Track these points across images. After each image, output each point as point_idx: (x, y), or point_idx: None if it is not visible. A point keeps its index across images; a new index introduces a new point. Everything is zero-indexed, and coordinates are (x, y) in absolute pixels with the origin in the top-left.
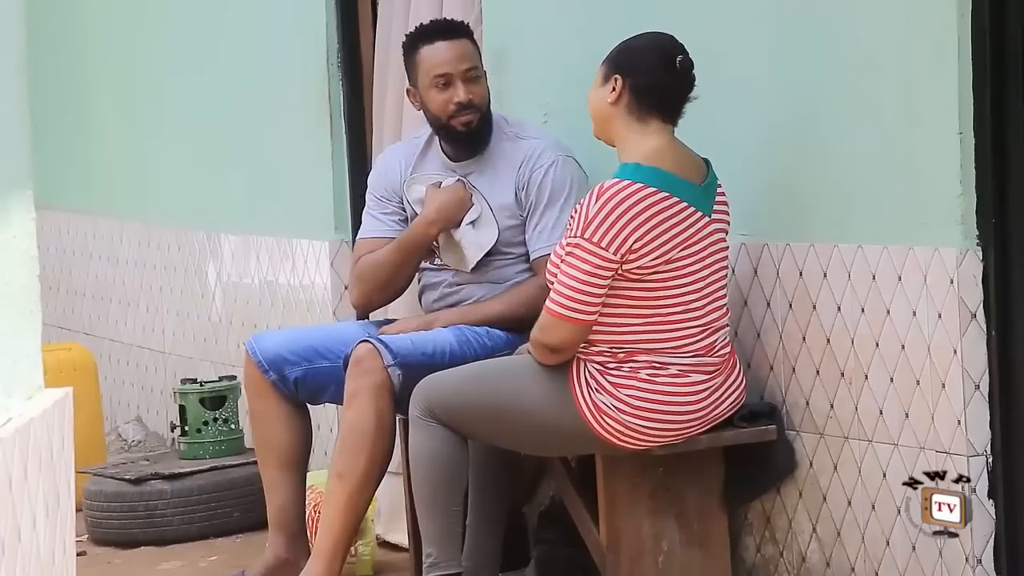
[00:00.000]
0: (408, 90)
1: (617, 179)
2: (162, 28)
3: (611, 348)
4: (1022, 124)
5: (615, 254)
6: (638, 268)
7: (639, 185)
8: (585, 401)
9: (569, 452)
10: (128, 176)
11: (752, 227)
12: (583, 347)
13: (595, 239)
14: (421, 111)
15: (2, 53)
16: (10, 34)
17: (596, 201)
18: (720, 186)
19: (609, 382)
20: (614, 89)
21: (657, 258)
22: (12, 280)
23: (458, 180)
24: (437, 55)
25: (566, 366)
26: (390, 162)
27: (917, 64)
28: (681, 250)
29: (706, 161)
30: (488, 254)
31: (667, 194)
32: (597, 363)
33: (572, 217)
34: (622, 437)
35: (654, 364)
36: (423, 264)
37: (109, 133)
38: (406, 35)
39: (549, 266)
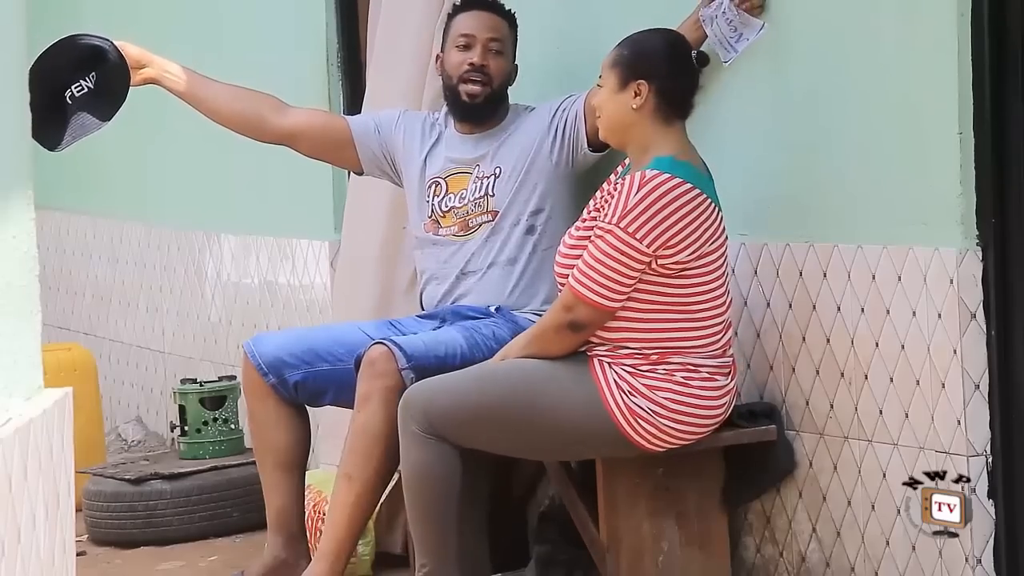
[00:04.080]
0: (437, 55)
1: (658, 171)
2: (162, 27)
3: (641, 349)
4: (1022, 124)
5: (648, 247)
6: (673, 263)
7: (678, 180)
8: (617, 405)
9: (588, 456)
10: (128, 176)
11: (752, 227)
12: (607, 350)
13: (631, 229)
14: (440, 76)
15: (2, 53)
16: (10, 34)
17: (638, 192)
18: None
19: (643, 385)
20: (637, 94)
21: (691, 254)
22: (12, 280)
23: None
24: (468, 20)
25: (587, 369)
26: (415, 123)
27: (917, 64)
28: (709, 244)
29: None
30: (493, 218)
31: (699, 190)
32: (628, 366)
33: (606, 201)
34: (652, 440)
35: (688, 367)
36: (422, 251)
37: (109, 133)
38: (454, 4)
39: (559, 257)
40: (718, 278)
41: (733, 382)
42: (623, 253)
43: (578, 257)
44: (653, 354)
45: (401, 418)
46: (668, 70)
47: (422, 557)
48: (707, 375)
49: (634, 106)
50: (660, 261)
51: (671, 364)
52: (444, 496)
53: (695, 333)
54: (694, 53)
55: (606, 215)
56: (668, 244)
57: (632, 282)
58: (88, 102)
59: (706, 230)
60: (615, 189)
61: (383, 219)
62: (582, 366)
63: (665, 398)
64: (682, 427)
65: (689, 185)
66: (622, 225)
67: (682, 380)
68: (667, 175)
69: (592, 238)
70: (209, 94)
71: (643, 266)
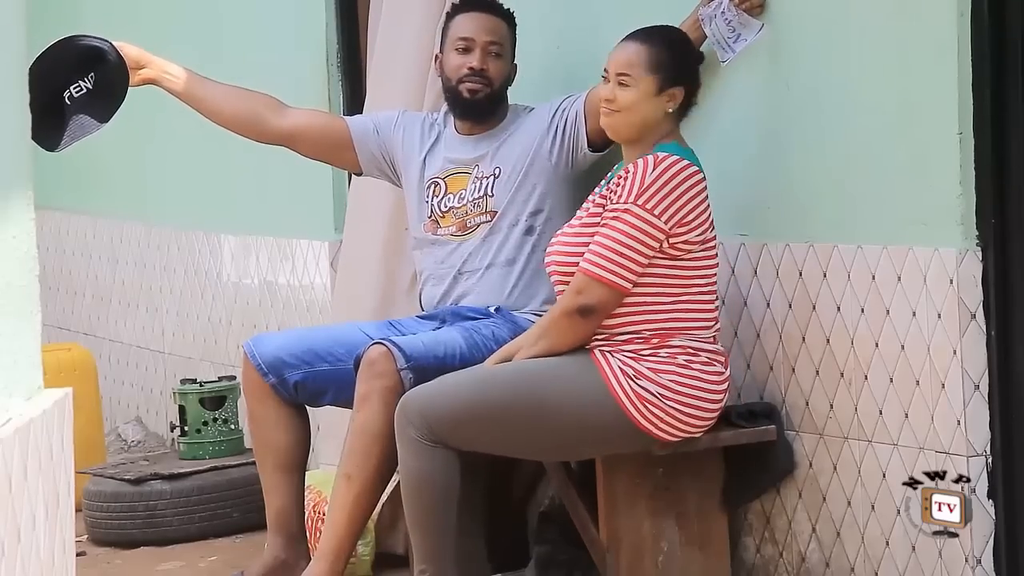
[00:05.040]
0: (436, 55)
1: (669, 153)
2: (162, 28)
3: (641, 332)
4: (1022, 124)
5: (666, 224)
6: (683, 243)
7: (687, 162)
8: (624, 392)
9: (594, 453)
10: (128, 176)
11: (752, 227)
12: (605, 339)
13: (648, 206)
14: (440, 77)
15: (2, 53)
16: (10, 34)
17: (653, 171)
18: None
19: (648, 368)
20: (672, 99)
21: (699, 235)
22: (12, 280)
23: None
24: (466, 23)
25: (589, 361)
26: (415, 123)
27: (917, 64)
28: (711, 231)
29: None
30: (491, 218)
31: (702, 175)
32: (629, 351)
33: (618, 184)
34: (661, 425)
35: (688, 350)
36: (421, 251)
37: (109, 133)
38: (452, 4)
39: (556, 252)
40: (713, 265)
41: (728, 371)
42: (640, 231)
43: (579, 246)
44: (653, 337)
45: (398, 424)
46: (695, 74)
47: (421, 563)
48: (706, 360)
49: (669, 110)
50: (671, 240)
51: (672, 347)
52: (443, 502)
53: (692, 316)
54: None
55: (619, 197)
56: (682, 222)
57: (646, 261)
58: (87, 103)
59: (709, 215)
60: (621, 179)
61: (385, 219)
62: (584, 359)
63: (671, 380)
64: (688, 411)
65: (696, 167)
66: (639, 203)
67: (684, 363)
68: (676, 157)
69: (603, 222)
70: (208, 95)
71: (658, 244)
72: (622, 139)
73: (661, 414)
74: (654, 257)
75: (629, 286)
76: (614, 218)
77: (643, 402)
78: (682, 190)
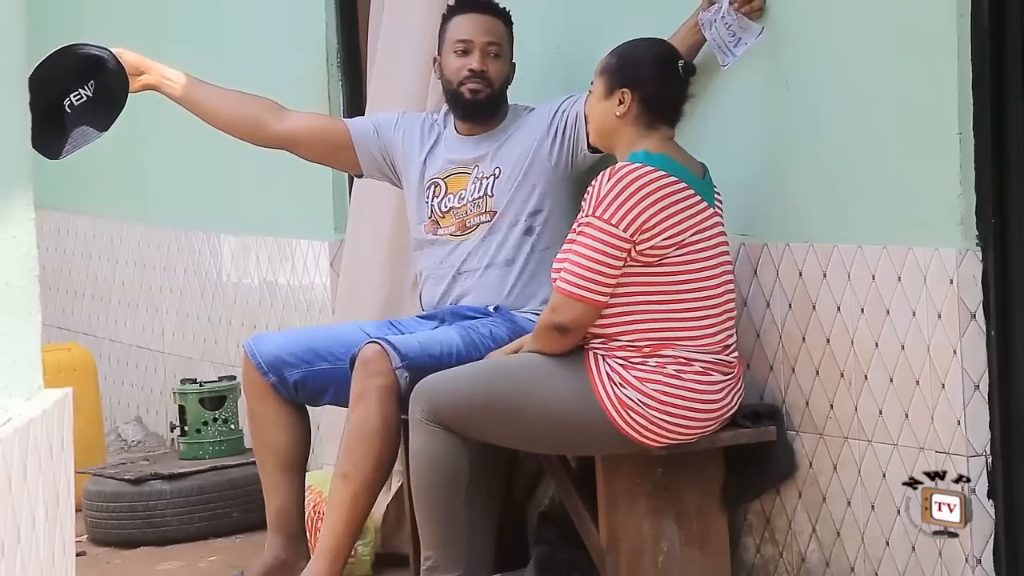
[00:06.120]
0: (435, 58)
1: (629, 162)
2: (161, 27)
3: (633, 342)
4: (1022, 124)
5: (626, 231)
6: (651, 249)
7: (650, 168)
8: (608, 397)
9: (581, 451)
10: (127, 176)
11: (752, 227)
12: (601, 342)
13: (606, 217)
14: (440, 80)
15: (2, 54)
16: (10, 34)
17: (608, 181)
18: (717, 190)
19: (634, 377)
20: (621, 102)
21: (669, 238)
22: (12, 280)
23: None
24: (464, 24)
25: (582, 362)
26: (414, 124)
27: (917, 64)
28: (692, 234)
29: (702, 165)
30: (491, 218)
31: (676, 178)
32: (620, 358)
33: (584, 200)
34: (644, 432)
35: (680, 360)
36: (421, 251)
37: (109, 133)
38: (448, 6)
39: (556, 263)
40: (707, 269)
41: (733, 380)
42: (602, 242)
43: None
44: (645, 346)
45: (410, 408)
46: (652, 80)
47: (427, 549)
48: (701, 369)
49: (617, 113)
50: (639, 247)
51: (663, 357)
52: (450, 486)
53: (685, 325)
54: (681, 63)
55: (583, 211)
56: (644, 228)
57: (616, 272)
58: (87, 111)
59: (686, 218)
60: (587, 194)
61: (389, 220)
62: (577, 359)
63: (655, 390)
64: (675, 420)
65: (661, 172)
66: (597, 214)
67: (673, 373)
68: (638, 164)
69: (574, 237)
70: (208, 99)
71: (624, 254)
72: (601, 148)
73: (644, 422)
74: (629, 266)
75: (603, 299)
76: (579, 233)
77: (626, 408)
78: (640, 196)
